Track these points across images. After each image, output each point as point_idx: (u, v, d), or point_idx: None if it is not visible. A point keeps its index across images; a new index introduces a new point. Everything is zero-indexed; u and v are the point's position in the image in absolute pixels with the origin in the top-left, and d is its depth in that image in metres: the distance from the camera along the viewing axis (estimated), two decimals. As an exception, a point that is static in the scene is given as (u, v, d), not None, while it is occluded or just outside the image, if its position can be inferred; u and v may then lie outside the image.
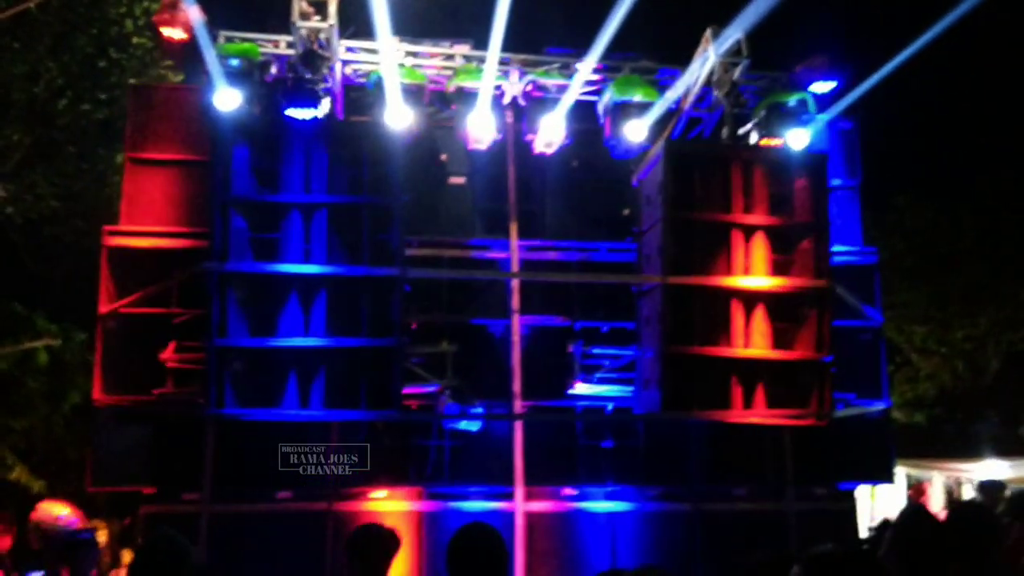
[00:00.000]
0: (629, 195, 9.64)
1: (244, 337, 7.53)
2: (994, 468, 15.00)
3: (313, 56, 8.22)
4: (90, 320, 16.53)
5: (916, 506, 8.35)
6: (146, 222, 8.90)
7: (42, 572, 5.05)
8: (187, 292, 8.63)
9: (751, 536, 9.02)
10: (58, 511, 5.04)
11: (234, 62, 8.29)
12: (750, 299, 8.43)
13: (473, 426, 8.75)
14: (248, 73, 8.28)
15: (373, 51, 8.70)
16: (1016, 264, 17.16)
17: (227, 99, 8.12)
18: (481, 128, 9.03)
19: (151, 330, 8.59)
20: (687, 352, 8.22)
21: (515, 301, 9.21)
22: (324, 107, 7.93)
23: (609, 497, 9.04)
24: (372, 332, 7.69)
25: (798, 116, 9.11)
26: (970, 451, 17.21)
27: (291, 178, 7.79)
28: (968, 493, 14.13)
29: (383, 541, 4.50)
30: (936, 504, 12.14)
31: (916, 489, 12.82)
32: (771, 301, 8.49)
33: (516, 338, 9.10)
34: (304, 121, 7.87)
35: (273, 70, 8.74)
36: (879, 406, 9.55)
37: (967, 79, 18.80)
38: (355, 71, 8.92)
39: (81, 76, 15.44)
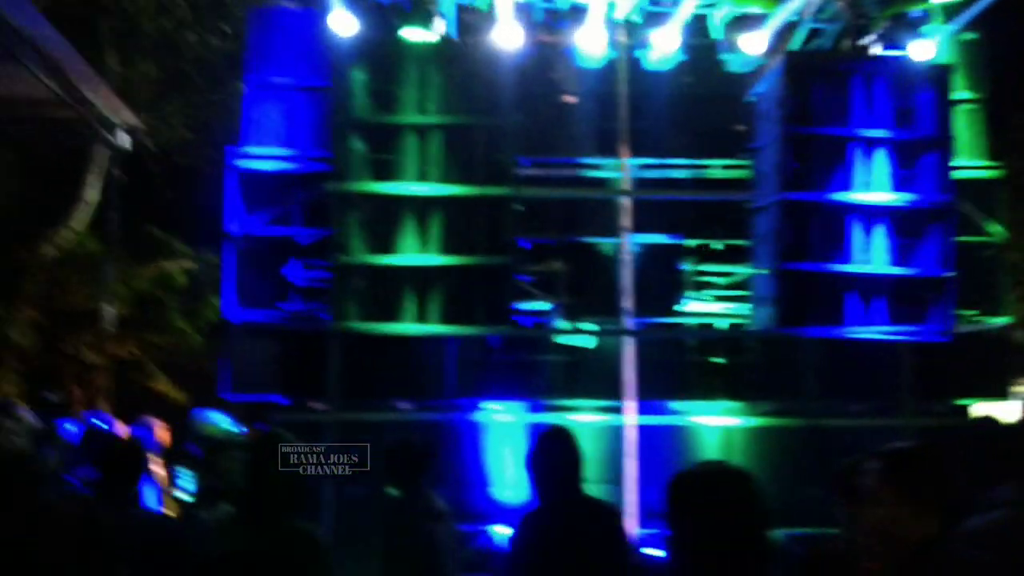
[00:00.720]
0: (744, 110, 9.27)
1: (365, 255, 7.60)
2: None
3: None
4: (220, 242, 17.18)
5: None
6: (269, 144, 9.05)
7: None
8: (309, 212, 8.81)
9: (866, 452, 8.75)
10: (210, 417, 5.35)
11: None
12: (870, 215, 8.06)
13: (586, 342, 8.70)
14: (366, -6, 8.22)
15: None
16: None
17: (345, 23, 8.09)
18: (593, 45, 8.79)
19: (277, 249, 8.82)
20: (805, 269, 7.93)
21: (626, 219, 9.02)
22: (439, 28, 7.81)
23: (721, 413, 8.89)
24: (485, 250, 7.66)
25: (922, 26, 8.57)
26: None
27: (406, 99, 7.74)
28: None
29: (416, 454, 4.65)
30: None
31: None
32: (892, 216, 8.09)
33: (627, 256, 8.94)
34: (419, 43, 7.78)
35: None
36: (998, 323, 9.09)
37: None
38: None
39: (207, 9, 15.72)
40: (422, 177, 7.63)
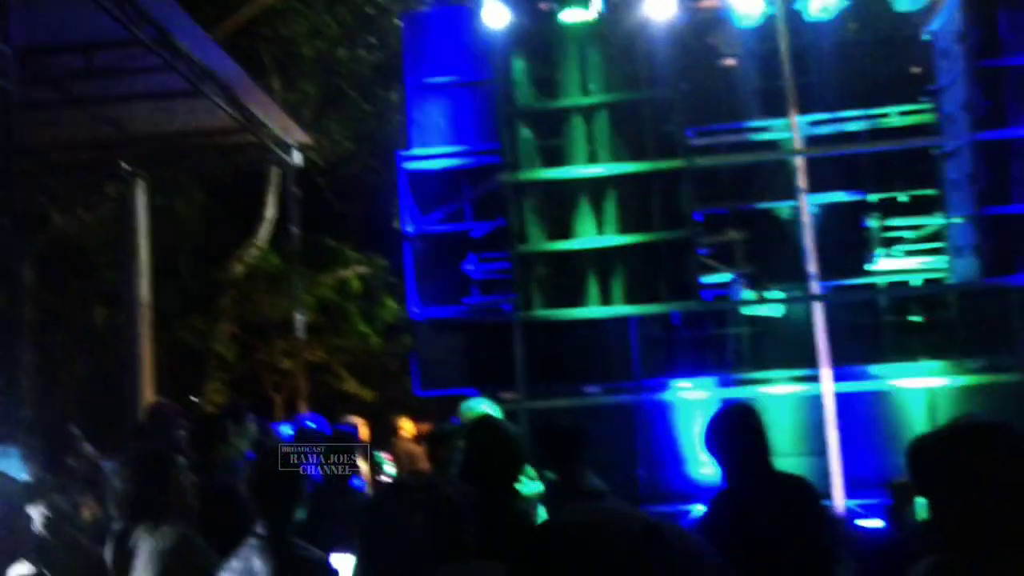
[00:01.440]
0: (919, 51, 8.58)
1: (543, 242, 7.46)
2: None
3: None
4: (387, 247, 17.60)
5: None
6: (434, 144, 9.05)
7: None
8: (481, 206, 8.76)
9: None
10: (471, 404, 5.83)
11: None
12: (1076, 147, 7.28)
13: (774, 311, 8.27)
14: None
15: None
16: None
17: (498, 14, 7.97)
18: (749, 3, 8.32)
19: (453, 246, 8.82)
20: (1005, 212, 7.25)
21: (801, 179, 8.51)
22: (595, 6, 7.57)
23: (924, 373, 8.27)
24: (664, 226, 7.38)
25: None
26: None
27: (568, 82, 7.54)
28: None
29: (566, 436, 4.39)
30: None
31: None
32: (1102, 147, 7.29)
33: (806, 218, 8.42)
34: (575, 23, 7.56)
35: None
36: None
37: None
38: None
39: (355, 25, 16.05)
40: (592, 159, 7.42)
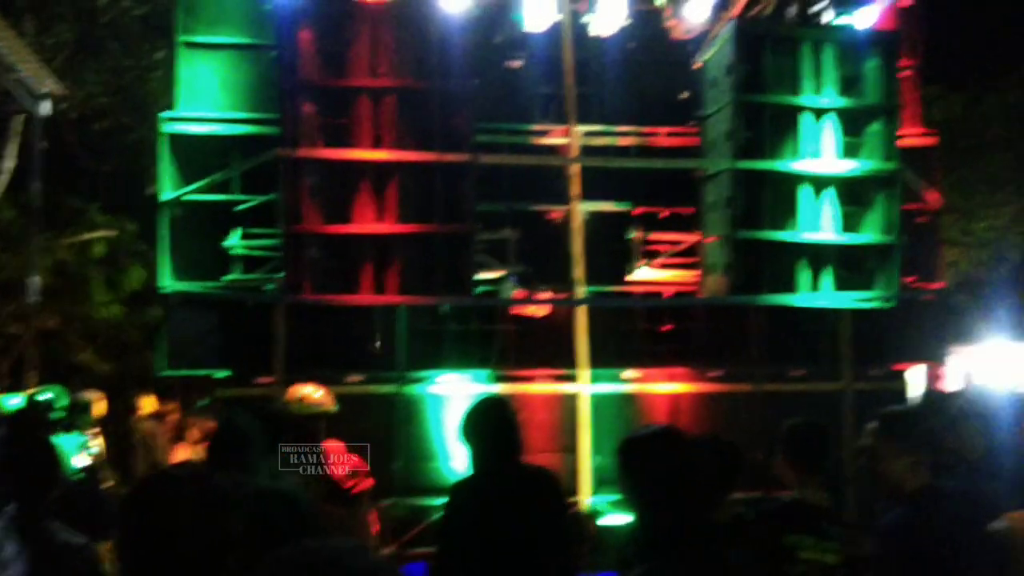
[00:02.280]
0: (688, 77, 8.94)
1: (319, 224, 6.98)
2: (1004, 349, 14.58)
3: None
4: (139, 211, 16.18)
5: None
6: (203, 108, 8.29)
7: None
8: (248, 179, 8.12)
9: (808, 415, 8.61)
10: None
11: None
12: (819, 183, 7.85)
13: (541, 312, 8.29)
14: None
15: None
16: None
17: (286, -20, 7.41)
18: (540, 9, 8.30)
19: (214, 217, 8.11)
20: (756, 236, 7.66)
21: (575, 187, 8.61)
22: (393, -14, 7.20)
23: (671, 379, 8.63)
24: (445, 218, 7.14)
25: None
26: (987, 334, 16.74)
27: (358, 62, 7.11)
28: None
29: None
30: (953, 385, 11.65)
31: (933, 372, 12.40)
32: (840, 185, 7.90)
33: (577, 224, 8.54)
34: (371, 3, 7.15)
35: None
36: (935, 288, 9.04)
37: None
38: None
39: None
40: (377, 143, 7.03)
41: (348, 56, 7.13)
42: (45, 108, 10.46)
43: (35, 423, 4.74)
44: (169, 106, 13.63)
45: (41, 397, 6.76)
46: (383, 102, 7.09)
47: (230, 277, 8.02)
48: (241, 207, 8.03)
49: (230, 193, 8.11)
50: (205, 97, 8.30)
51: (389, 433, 8.02)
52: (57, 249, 14.00)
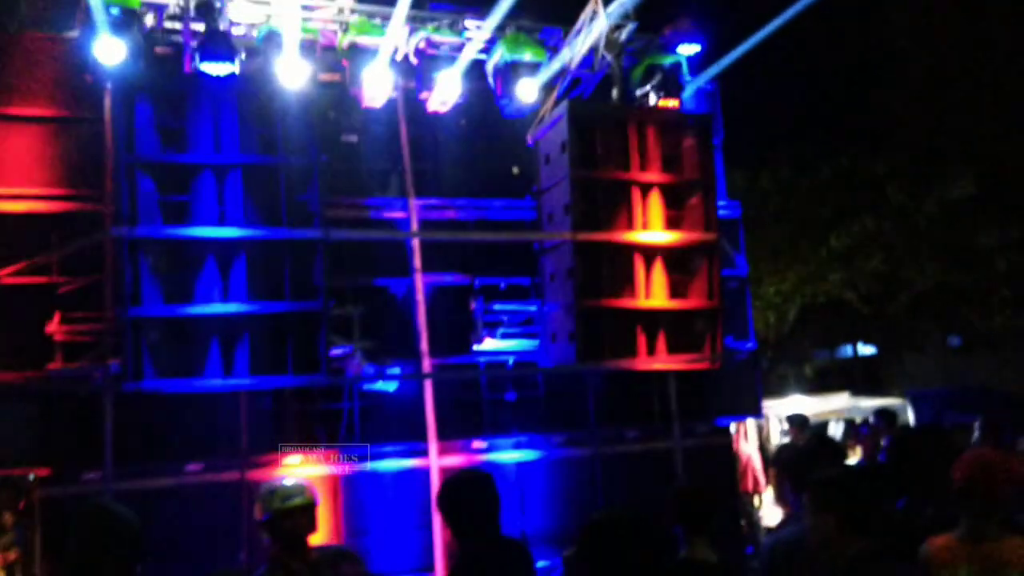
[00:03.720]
0: (520, 153, 9.24)
1: (159, 305, 6.55)
2: (799, 403, 15.85)
3: (208, 6, 7.25)
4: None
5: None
6: (15, 184, 7.65)
7: None
8: (70, 260, 7.53)
9: (644, 472, 8.97)
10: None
11: (114, 11, 7.17)
12: (649, 252, 8.26)
13: (390, 386, 8.16)
14: (128, 23, 7.18)
15: (263, 2, 7.83)
16: (811, 227, 18.04)
17: (111, 50, 7.02)
18: (376, 85, 8.32)
19: (30, 301, 7.44)
20: (597, 305, 7.95)
21: (417, 260, 8.61)
22: (238, 62, 6.98)
23: (517, 447, 8.71)
24: (295, 295, 6.92)
25: (674, 78, 9.03)
26: (775, 390, 18.13)
27: (200, 137, 6.82)
28: (776, 427, 14.78)
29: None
30: (750, 440, 12.50)
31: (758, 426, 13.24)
32: (667, 254, 8.36)
33: (420, 297, 8.52)
34: (213, 77, 6.90)
35: (149, 21, 7.72)
36: (748, 347, 9.72)
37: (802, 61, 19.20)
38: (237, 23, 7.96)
39: None
40: (221, 219, 6.73)
41: (188, 131, 6.82)
42: None
43: None
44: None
45: None
46: (227, 177, 6.81)
47: (52, 366, 7.33)
48: (62, 291, 7.42)
49: (49, 274, 7.48)
50: (17, 172, 7.67)
51: (235, 522, 7.56)
52: None
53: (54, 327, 7.36)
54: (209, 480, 7.62)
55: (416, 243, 8.59)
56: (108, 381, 7.10)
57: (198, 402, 7.50)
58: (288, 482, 4.39)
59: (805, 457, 4.64)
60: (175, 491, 7.56)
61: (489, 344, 8.68)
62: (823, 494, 3.59)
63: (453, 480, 4.09)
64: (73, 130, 7.81)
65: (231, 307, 6.71)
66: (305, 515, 4.25)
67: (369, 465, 8.13)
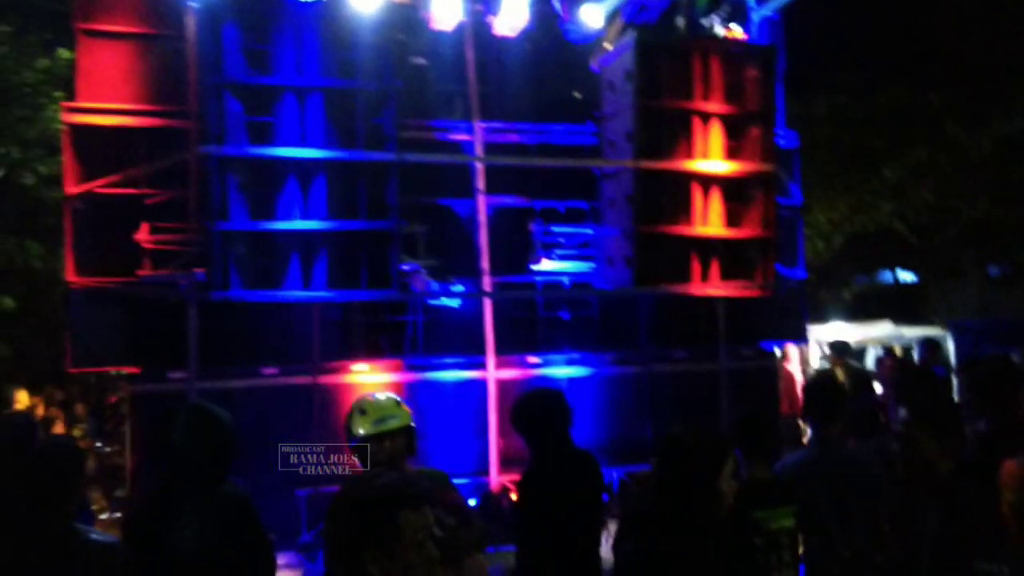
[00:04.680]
0: (583, 79, 9.34)
1: (244, 220, 6.91)
2: (840, 330, 15.97)
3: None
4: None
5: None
6: (105, 99, 7.96)
7: None
8: (157, 173, 7.88)
9: (690, 392, 9.30)
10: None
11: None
12: (707, 181, 8.44)
13: (452, 302, 8.51)
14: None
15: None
16: (864, 156, 17.80)
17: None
18: (446, 9, 8.44)
19: (121, 212, 7.83)
20: (654, 231, 8.18)
21: (480, 182, 8.86)
22: (321, -15, 7.16)
23: (569, 363, 9.07)
24: (369, 215, 7.23)
25: (739, 7, 9.03)
26: (815, 315, 18.20)
27: (283, 60, 7.07)
28: (815, 351, 14.95)
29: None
30: (794, 365, 12.73)
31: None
32: (724, 183, 8.53)
33: (483, 217, 8.80)
34: (296, 1, 7.09)
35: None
36: (798, 275, 9.91)
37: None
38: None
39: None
40: (302, 140, 7.01)
41: (273, 54, 7.05)
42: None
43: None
44: (46, 94, 12.88)
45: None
46: (308, 100, 7.07)
47: (138, 273, 7.77)
48: (150, 201, 7.80)
49: (137, 186, 7.86)
50: (105, 87, 7.98)
51: (306, 423, 8.05)
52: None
53: (143, 236, 7.75)
54: (283, 383, 8.10)
55: (480, 165, 8.82)
56: (193, 288, 7.52)
57: (274, 311, 7.94)
58: (381, 398, 3.76)
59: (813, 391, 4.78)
60: (252, 392, 8.05)
61: (547, 265, 8.98)
62: (921, 415, 3.83)
63: (527, 396, 4.31)
64: (157, 47, 8.06)
65: (310, 224, 7.05)
66: (403, 438, 3.66)
67: (431, 375, 8.56)
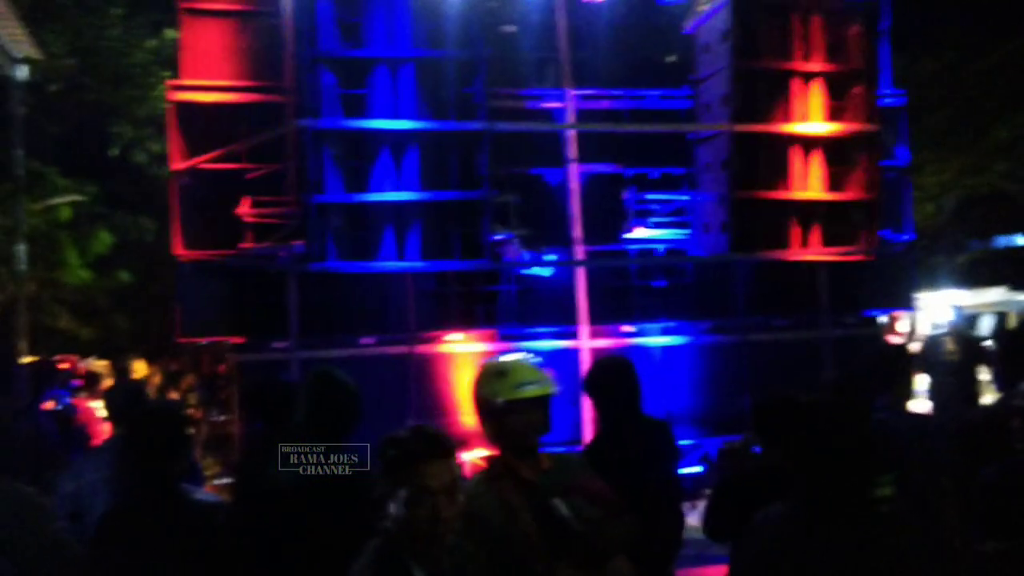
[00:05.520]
0: (676, 42, 9.09)
1: (340, 193, 7.00)
2: (951, 296, 15.26)
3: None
4: (98, 173, 15.75)
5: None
6: (207, 75, 8.16)
7: None
8: (256, 148, 8.06)
9: (791, 362, 9.01)
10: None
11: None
12: (807, 144, 8.13)
13: (544, 272, 8.46)
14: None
15: None
16: (975, 115, 16.89)
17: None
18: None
19: (223, 186, 8.04)
20: (752, 196, 7.93)
21: (572, 150, 8.74)
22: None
23: (664, 332, 8.92)
24: (461, 185, 7.23)
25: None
26: (926, 282, 17.45)
27: (375, 32, 7.10)
28: (925, 319, 14.34)
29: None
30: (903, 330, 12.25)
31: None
32: (826, 145, 8.20)
33: (575, 185, 8.69)
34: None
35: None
36: (905, 239, 9.47)
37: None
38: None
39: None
40: (395, 113, 7.04)
41: (365, 26, 7.09)
42: (23, 73, 10.14)
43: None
44: (155, 74, 13.31)
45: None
46: (400, 72, 7.08)
47: (241, 246, 7.98)
48: (251, 176, 7.98)
49: (238, 161, 8.05)
50: (208, 64, 8.18)
51: (403, 392, 8.17)
52: (28, 216, 13.60)
53: (244, 210, 7.95)
54: (380, 353, 8.21)
55: (572, 133, 8.70)
56: (293, 260, 7.68)
57: (370, 282, 8.05)
58: (520, 360, 3.10)
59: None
60: (350, 361, 8.18)
61: (640, 233, 8.81)
62: None
63: (597, 365, 4.32)
64: (256, 24, 8.21)
65: (404, 195, 7.09)
66: (541, 409, 3.02)
67: (524, 345, 8.54)
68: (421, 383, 8.30)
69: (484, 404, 3.02)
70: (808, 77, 8.11)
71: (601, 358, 4.41)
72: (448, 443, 2.26)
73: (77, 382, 6.65)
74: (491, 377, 3.05)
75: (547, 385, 3.05)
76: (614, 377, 4.15)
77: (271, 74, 8.12)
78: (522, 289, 8.78)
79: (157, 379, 11.89)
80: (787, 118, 8.05)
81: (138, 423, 3.29)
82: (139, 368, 11.27)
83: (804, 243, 8.15)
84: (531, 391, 2.99)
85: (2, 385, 3.93)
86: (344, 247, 7.09)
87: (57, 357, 11.10)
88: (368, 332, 8.26)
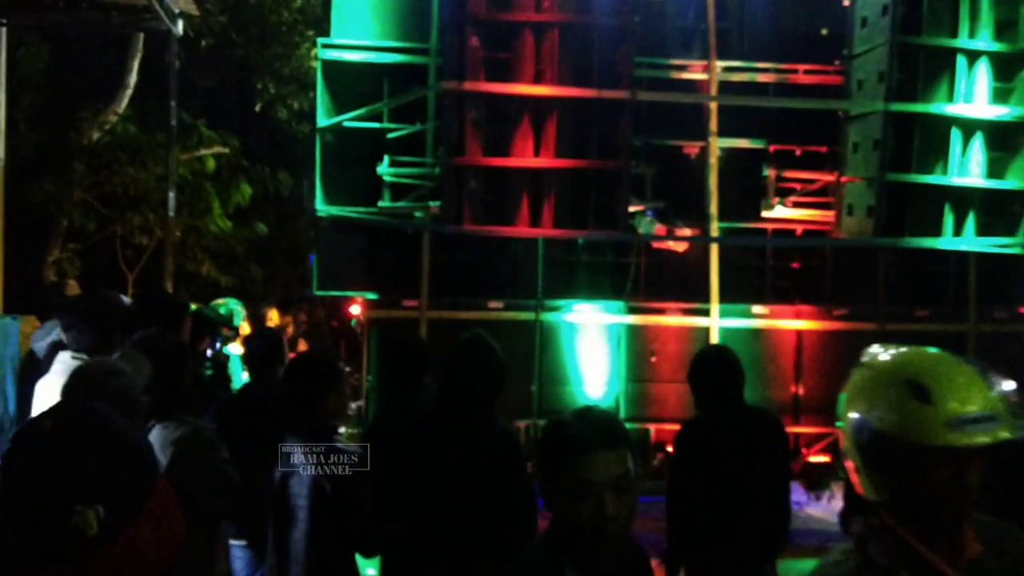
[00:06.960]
0: (830, 14, 8.73)
1: (479, 156, 7.06)
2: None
3: None
4: (241, 127, 16.37)
5: None
6: (354, 35, 8.35)
7: None
8: (397, 108, 8.21)
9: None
10: None
11: None
12: (968, 127, 7.68)
13: (678, 247, 8.34)
14: None
15: None
16: None
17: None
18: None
19: (365, 145, 8.24)
20: (904, 179, 7.57)
21: (713, 123, 8.55)
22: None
23: (797, 316, 8.68)
24: (600, 154, 7.17)
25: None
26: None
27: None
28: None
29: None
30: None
31: None
32: (988, 129, 7.72)
33: (714, 160, 8.51)
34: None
35: None
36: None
37: None
38: None
39: None
40: (538, 78, 7.03)
41: (510, -12, 7.09)
42: (179, 27, 10.60)
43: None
44: (300, 32, 13.73)
45: (223, 310, 7.07)
46: (546, 37, 7.06)
47: (380, 204, 8.17)
48: (391, 135, 8.15)
49: (379, 121, 8.22)
50: (355, 24, 8.36)
51: (527, 358, 8.24)
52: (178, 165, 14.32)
53: (384, 169, 8.13)
54: (508, 317, 8.30)
55: (713, 106, 8.51)
56: (428, 221, 7.82)
57: (502, 246, 8.12)
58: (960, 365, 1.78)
59: None
60: (477, 324, 8.30)
61: (779, 211, 8.56)
62: None
63: (698, 355, 4.43)
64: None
65: (540, 161, 7.09)
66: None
67: (652, 319, 8.47)
68: (545, 350, 8.36)
69: (883, 441, 1.73)
70: (974, 56, 7.65)
71: (702, 349, 4.58)
72: (620, 431, 2.01)
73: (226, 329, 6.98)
74: (902, 395, 1.72)
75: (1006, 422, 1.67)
76: (709, 367, 4.26)
77: (417, 35, 8.26)
78: (653, 262, 8.68)
79: (291, 329, 12.41)
80: (949, 99, 7.62)
81: (292, 369, 3.48)
82: (273, 316, 11.80)
83: (957, 231, 7.74)
84: (984, 435, 1.66)
85: (172, 327, 4.15)
86: (479, 210, 7.16)
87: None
88: (496, 296, 8.36)
